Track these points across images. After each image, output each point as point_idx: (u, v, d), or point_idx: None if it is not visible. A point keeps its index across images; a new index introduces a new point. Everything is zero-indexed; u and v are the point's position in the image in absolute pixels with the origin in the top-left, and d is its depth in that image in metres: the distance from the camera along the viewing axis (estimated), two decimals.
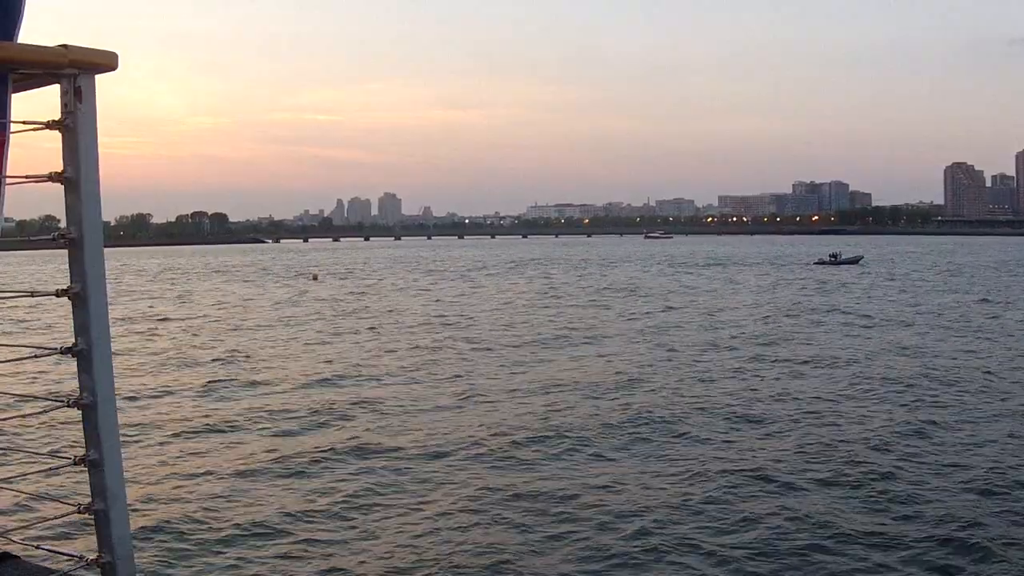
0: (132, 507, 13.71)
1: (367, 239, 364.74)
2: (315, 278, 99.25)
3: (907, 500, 16.92)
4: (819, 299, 62.54)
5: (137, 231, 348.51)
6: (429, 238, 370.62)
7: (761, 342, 39.45)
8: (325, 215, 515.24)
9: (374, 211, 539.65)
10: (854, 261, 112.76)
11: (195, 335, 46.17)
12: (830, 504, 16.77)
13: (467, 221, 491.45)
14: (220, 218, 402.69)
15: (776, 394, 27.62)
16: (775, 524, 15.69)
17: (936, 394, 27.33)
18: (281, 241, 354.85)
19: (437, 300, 67.32)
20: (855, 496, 17.28)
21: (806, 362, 33.66)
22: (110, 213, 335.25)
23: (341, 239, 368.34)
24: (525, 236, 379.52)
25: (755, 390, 28.41)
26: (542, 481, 18.72)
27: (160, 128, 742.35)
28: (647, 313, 53.76)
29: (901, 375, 30.61)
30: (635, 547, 14.82)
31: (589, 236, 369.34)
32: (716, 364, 33.59)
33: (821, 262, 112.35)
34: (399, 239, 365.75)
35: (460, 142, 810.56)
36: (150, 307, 64.10)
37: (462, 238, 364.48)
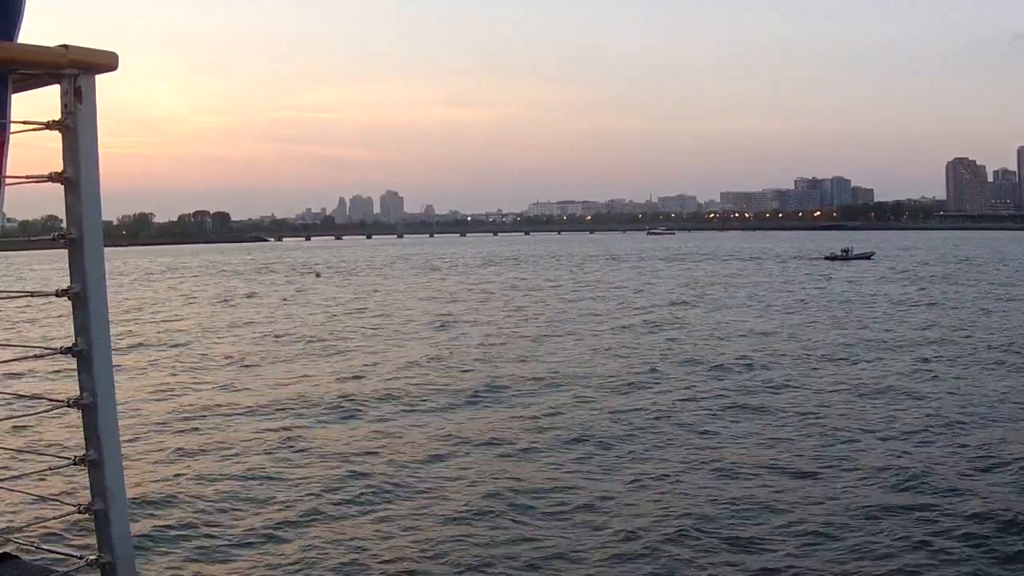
0: (132, 507, 13.74)
1: (369, 237, 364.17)
2: (318, 276, 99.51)
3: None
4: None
5: (139, 230, 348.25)
6: (432, 236, 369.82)
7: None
8: (327, 213, 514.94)
9: (376, 209, 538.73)
10: (866, 257, 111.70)
11: (202, 332, 46.24)
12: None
13: (469, 219, 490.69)
14: (222, 217, 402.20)
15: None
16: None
17: None
18: (284, 239, 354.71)
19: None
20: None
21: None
22: (112, 213, 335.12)
23: (343, 237, 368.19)
24: (527, 233, 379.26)
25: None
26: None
27: (161, 128, 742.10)
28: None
29: None
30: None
31: (592, 233, 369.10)
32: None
33: (832, 257, 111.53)
34: (401, 237, 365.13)
35: (461, 141, 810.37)
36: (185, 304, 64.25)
37: (464, 235, 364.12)
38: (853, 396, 27.05)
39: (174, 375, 32.72)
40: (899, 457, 19.82)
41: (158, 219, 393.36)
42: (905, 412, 24.61)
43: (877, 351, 35.84)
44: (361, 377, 31.75)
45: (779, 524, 15.60)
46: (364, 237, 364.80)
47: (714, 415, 24.69)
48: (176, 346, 41.07)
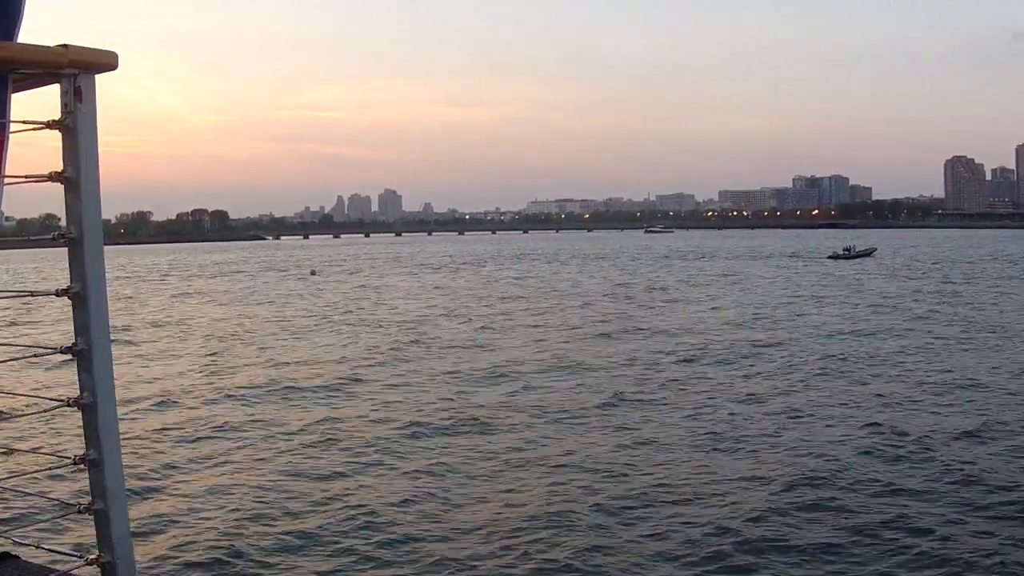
0: (132, 507, 13.73)
1: (368, 235, 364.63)
2: (313, 273, 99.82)
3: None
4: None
5: (137, 229, 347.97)
6: (430, 234, 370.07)
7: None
8: (326, 212, 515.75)
9: (374, 207, 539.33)
10: (867, 254, 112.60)
11: (202, 332, 46.25)
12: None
13: (467, 217, 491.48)
14: (221, 215, 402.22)
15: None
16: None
17: None
18: (282, 238, 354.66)
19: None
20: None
21: None
22: (111, 211, 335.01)
23: (341, 235, 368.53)
24: (526, 231, 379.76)
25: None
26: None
27: (161, 127, 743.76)
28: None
29: None
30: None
31: (590, 231, 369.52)
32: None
33: (835, 256, 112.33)
34: (400, 235, 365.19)
35: (461, 139, 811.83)
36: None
37: (462, 234, 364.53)
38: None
39: (177, 373, 32.69)
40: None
41: (156, 218, 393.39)
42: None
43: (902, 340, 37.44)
44: (371, 373, 31.74)
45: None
46: (362, 236, 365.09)
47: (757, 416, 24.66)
48: (180, 342, 41.10)
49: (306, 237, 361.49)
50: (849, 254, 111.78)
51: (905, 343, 36.81)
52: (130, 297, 70.83)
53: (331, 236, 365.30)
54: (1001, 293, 60.80)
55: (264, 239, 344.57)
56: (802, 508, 16.21)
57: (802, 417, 23.80)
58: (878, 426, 22.37)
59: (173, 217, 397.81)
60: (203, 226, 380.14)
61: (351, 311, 55.95)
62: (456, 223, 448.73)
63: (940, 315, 46.88)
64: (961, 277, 76.75)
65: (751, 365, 32.07)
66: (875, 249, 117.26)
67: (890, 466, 18.98)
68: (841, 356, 33.43)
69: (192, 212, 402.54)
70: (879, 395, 26.48)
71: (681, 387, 28.25)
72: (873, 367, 31.28)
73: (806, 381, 28.95)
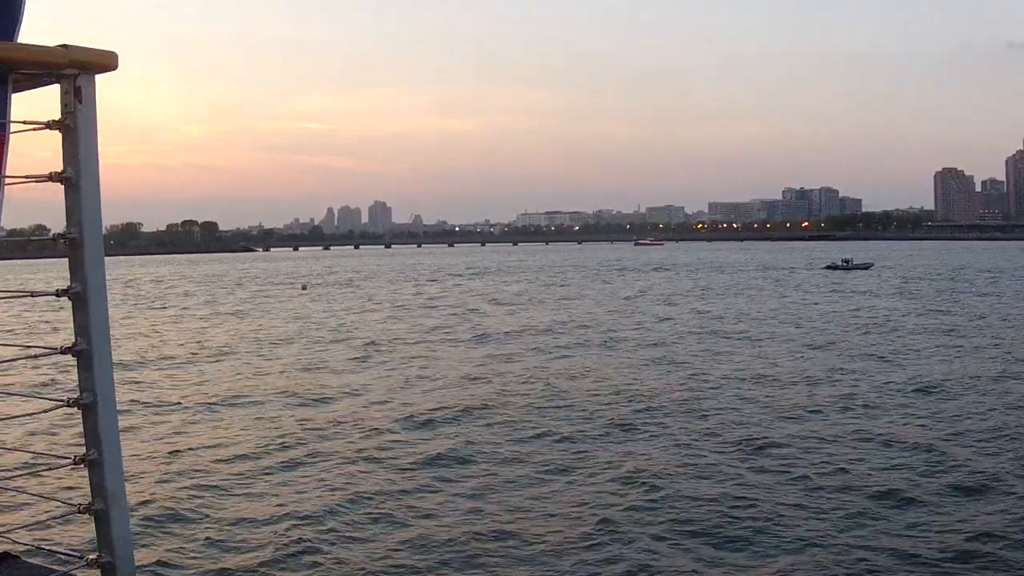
0: (132, 507, 13.68)
1: (357, 247, 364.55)
2: (304, 288, 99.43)
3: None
4: None
5: (127, 240, 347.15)
6: (419, 246, 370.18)
7: None
8: (315, 223, 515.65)
9: (364, 219, 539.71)
10: (865, 267, 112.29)
11: (207, 334, 46.18)
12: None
13: (457, 229, 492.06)
14: (210, 227, 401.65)
15: None
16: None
17: None
18: (271, 250, 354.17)
19: None
20: None
21: None
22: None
23: (331, 247, 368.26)
24: (516, 244, 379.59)
25: None
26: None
27: (152, 137, 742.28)
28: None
29: None
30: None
31: (580, 244, 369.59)
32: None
33: (833, 267, 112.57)
34: (389, 247, 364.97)
35: (452, 150, 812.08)
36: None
37: (452, 246, 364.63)
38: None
39: (177, 377, 32.62)
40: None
41: (146, 228, 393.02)
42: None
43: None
44: (376, 380, 31.71)
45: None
46: (352, 247, 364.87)
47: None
48: (180, 347, 41.00)
49: (296, 249, 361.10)
50: (847, 265, 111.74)
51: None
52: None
53: (321, 248, 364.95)
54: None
55: (254, 251, 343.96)
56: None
57: None
58: None
59: (163, 228, 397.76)
60: (193, 237, 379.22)
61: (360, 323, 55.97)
62: (446, 235, 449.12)
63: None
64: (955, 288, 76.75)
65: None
66: (872, 263, 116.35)
67: None
68: None
69: (182, 223, 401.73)
70: None
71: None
72: None
73: None
